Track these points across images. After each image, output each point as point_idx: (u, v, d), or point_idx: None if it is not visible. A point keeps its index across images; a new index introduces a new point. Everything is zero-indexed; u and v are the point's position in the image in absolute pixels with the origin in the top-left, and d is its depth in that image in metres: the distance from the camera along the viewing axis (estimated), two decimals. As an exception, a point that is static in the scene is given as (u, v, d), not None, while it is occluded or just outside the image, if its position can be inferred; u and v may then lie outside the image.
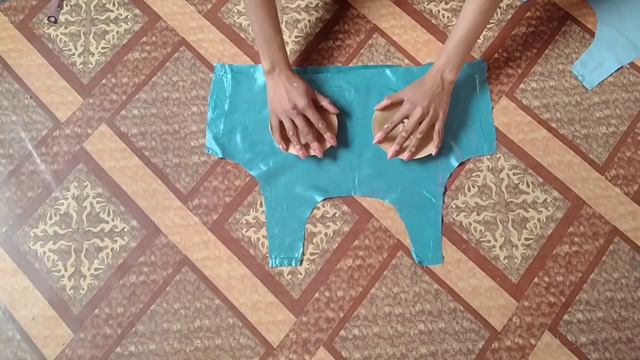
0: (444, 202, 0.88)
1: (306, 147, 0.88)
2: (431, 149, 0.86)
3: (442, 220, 0.87)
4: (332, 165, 0.89)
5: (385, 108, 0.88)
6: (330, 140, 0.86)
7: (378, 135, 0.85)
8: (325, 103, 0.87)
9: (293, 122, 0.85)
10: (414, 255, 0.86)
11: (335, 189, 0.88)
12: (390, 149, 0.86)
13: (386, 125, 0.85)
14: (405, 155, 0.85)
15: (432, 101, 0.83)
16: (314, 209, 0.88)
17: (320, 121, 0.85)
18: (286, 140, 0.88)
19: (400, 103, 0.87)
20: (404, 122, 0.88)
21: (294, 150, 0.87)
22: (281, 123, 0.87)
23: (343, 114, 0.92)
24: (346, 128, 0.91)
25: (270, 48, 0.83)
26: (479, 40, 0.96)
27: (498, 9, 0.98)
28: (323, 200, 0.88)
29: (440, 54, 0.84)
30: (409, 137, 0.85)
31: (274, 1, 0.82)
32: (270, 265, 0.86)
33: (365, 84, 0.93)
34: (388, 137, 0.87)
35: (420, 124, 0.84)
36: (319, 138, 0.88)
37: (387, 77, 0.94)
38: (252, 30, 0.83)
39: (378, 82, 0.93)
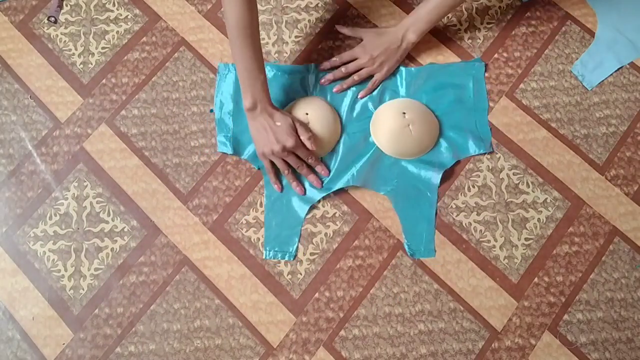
0: (438, 196, 0.88)
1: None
2: (428, 147, 0.90)
3: (436, 214, 0.87)
4: (334, 161, 0.89)
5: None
6: (322, 172, 0.88)
7: (328, 76, 0.92)
8: (304, 138, 0.85)
9: (284, 160, 0.86)
10: (406, 247, 0.86)
11: (334, 182, 0.88)
12: (327, 77, 0.92)
13: (335, 59, 0.92)
14: (335, 88, 0.92)
15: (382, 53, 0.90)
16: (312, 206, 0.88)
17: (310, 156, 0.86)
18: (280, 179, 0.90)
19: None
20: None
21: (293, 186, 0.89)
22: (272, 163, 0.87)
23: (345, 113, 0.92)
24: (348, 126, 0.92)
25: (253, 85, 0.82)
26: (478, 40, 0.96)
27: (498, 9, 0.98)
28: (323, 197, 0.88)
29: (410, 15, 0.89)
30: (347, 75, 0.92)
31: (259, 38, 0.82)
32: (264, 257, 0.86)
33: (365, 82, 0.93)
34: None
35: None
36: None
37: (389, 76, 0.94)
38: (236, 66, 0.82)
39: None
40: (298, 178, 0.89)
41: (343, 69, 0.91)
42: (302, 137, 0.84)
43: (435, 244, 0.86)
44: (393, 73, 0.94)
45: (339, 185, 0.88)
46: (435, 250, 0.86)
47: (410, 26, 0.88)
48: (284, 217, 0.88)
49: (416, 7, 0.89)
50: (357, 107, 0.93)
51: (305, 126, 0.86)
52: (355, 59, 0.91)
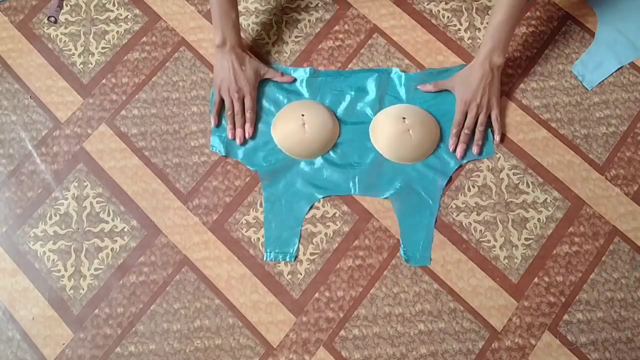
0: (440, 205, 0.88)
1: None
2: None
3: (436, 223, 0.87)
4: (332, 165, 0.89)
5: (427, 91, 0.92)
6: (247, 131, 0.89)
7: (452, 142, 0.88)
8: (278, 78, 0.91)
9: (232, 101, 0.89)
10: (402, 252, 0.86)
11: (334, 188, 0.89)
12: (458, 149, 0.88)
13: (455, 130, 0.88)
14: (475, 150, 0.89)
15: (483, 94, 0.86)
16: (312, 206, 0.88)
17: (249, 111, 0.88)
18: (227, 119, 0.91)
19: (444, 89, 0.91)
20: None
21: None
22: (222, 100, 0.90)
23: (343, 116, 0.92)
24: (346, 130, 0.91)
25: (223, 22, 0.85)
26: (478, 40, 0.96)
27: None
28: (322, 198, 0.88)
29: (484, 41, 0.86)
30: (472, 133, 0.89)
31: None
32: (264, 259, 0.86)
33: (365, 87, 0.93)
34: (387, 137, 0.88)
35: (478, 117, 0.88)
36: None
37: (387, 80, 0.94)
38: (210, 3, 0.85)
39: (378, 85, 0.93)
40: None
41: (466, 130, 0.87)
42: (275, 78, 0.91)
43: (432, 249, 0.86)
44: (395, 77, 0.94)
45: (339, 193, 0.88)
46: (431, 259, 0.86)
47: (492, 53, 0.84)
48: (283, 218, 0.88)
49: (487, 29, 0.85)
50: (356, 112, 0.92)
51: (277, 75, 0.91)
52: (466, 114, 0.88)
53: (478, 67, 0.86)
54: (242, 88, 0.87)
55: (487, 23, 0.97)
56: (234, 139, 0.90)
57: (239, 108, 0.88)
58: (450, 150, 0.88)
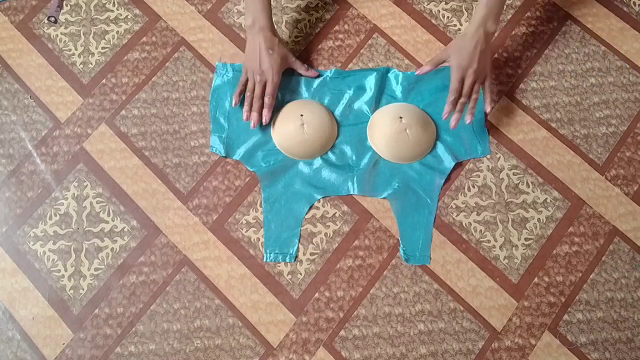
0: (440, 205, 0.88)
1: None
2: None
3: (434, 222, 0.87)
4: (331, 166, 0.89)
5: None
6: (265, 115, 0.87)
7: (447, 109, 0.83)
8: (303, 71, 0.92)
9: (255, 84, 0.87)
10: (401, 252, 0.86)
11: (333, 188, 0.89)
12: (453, 118, 0.84)
13: (452, 98, 0.83)
14: (468, 119, 0.84)
15: (480, 60, 0.83)
16: (311, 206, 0.88)
17: (269, 96, 0.86)
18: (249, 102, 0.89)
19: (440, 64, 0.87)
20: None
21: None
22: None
23: (341, 117, 0.92)
24: (345, 130, 0.92)
25: (253, 4, 0.84)
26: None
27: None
28: (321, 198, 0.88)
29: (478, 8, 0.83)
30: (467, 100, 0.85)
31: None
32: (264, 260, 0.86)
33: (363, 86, 0.93)
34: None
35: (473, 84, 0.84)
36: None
37: (385, 80, 0.94)
38: None
39: (375, 84, 0.93)
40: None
41: (463, 98, 0.84)
42: (299, 70, 0.92)
43: (432, 249, 0.86)
44: (393, 77, 0.94)
45: (338, 194, 0.88)
46: (431, 258, 0.86)
47: (487, 19, 0.82)
48: (282, 219, 0.88)
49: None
50: (353, 111, 0.92)
51: (303, 66, 0.92)
52: (463, 81, 0.84)
53: (473, 33, 0.82)
54: (265, 72, 0.86)
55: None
56: (248, 120, 0.88)
57: (259, 91, 0.87)
58: (444, 118, 0.84)
